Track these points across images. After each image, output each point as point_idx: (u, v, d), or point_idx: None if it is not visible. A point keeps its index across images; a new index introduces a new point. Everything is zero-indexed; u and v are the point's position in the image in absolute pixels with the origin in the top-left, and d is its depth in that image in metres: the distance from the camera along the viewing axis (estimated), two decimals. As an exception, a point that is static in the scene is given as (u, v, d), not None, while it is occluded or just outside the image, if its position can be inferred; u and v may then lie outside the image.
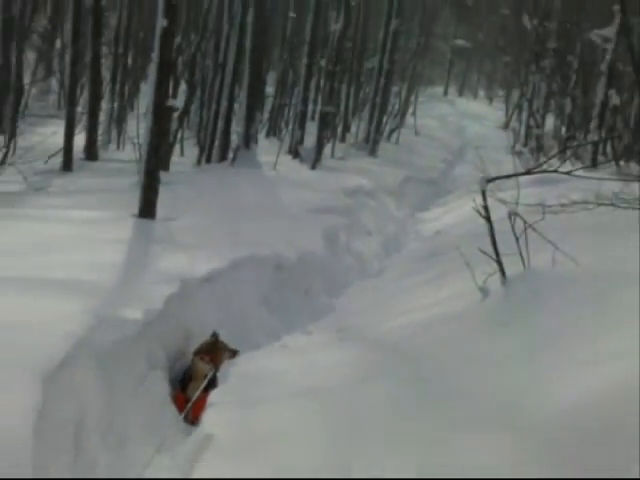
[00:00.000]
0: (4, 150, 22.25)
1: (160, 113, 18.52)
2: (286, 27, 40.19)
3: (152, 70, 18.79)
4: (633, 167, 18.27)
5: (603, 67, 30.37)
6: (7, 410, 7.43)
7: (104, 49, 29.37)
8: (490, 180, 12.29)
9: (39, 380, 8.12)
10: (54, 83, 39.86)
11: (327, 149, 36.09)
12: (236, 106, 30.72)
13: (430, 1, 58.30)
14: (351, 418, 8.85)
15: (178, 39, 22.63)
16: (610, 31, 28.24)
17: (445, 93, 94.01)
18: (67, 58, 29.02)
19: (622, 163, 20.50)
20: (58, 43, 41.25)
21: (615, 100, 28.94)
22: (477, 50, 77.56)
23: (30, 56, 34.95)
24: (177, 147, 26.89)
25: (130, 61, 35.71)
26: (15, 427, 7.30)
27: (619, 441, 6.05)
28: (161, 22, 17.98)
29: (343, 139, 42.20)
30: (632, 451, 5.73)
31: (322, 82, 38.41)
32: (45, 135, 26.36)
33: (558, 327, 8.66)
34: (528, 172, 14.15)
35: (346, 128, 43.95)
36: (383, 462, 7.61)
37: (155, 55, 18.27)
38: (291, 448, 8.38)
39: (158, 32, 18.05)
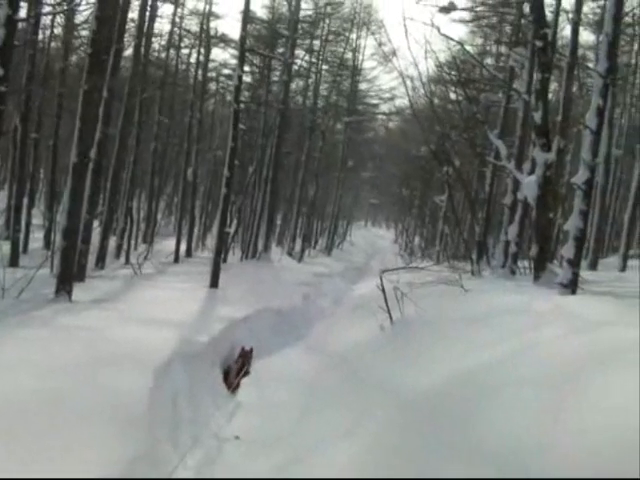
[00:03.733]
0: (146, 252, 22.21)
1: (222, 234, 18.50)
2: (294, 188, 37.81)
3: (218, 213, 18.82)
4: (456, 264, 18.33)
5: (441, 214, 30.72)
6: (134, 385, 7.48)
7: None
8: (385, 270, 12.43)
9: (151, 371, 8.15)
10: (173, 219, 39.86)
11: (306, 252, 36.03)
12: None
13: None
14: (310, 389, 9.00)
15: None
16: (443, 197, 28.54)
17: (365, 225, 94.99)
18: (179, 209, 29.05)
19: (451, 261, 20.59)
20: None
21: (446, 230, 29.21)
22: (381, 205, 78.77)
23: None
24: (230, 251, 26.75)
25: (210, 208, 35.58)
26: (137, 394, 7.30)
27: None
28: (223, 190, 18.04)
29: (315, 247, 42.06)
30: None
31: (302, 222, 38.63)
32: (167, 245, 26.91)
33: (416, 343, 8.77)
34: (405, 267, 14.21)
35: (316, 241, 43.83)
36: (328, 407, 7.77)
37: (220, 206, 18.29)
38: (280, 408, 8.58)
39: (222, 197, 18.07)
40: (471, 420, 5.42)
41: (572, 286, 10.84)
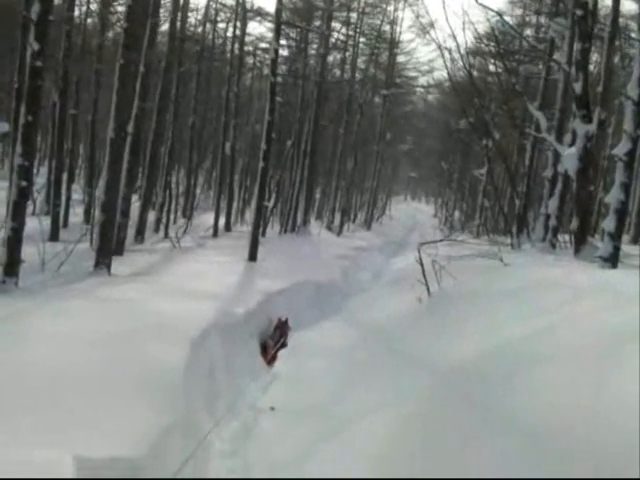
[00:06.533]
0: (185, 226, 22.36)
1: (260, 208, 18.65)
2: (333, 162, 37.96)
3: (257, 187, 18.94)
4: (496, 237, 18.23)
5: (480, 187, 30.56)
6: (171, 356, 7.55)
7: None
8: (423, 243, 12.37)
9: (189, 342, 8.22)
10: (212, 193, 39.95)
11: (345, 226, 36.00)
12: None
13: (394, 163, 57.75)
14: (347, 362, 9.03)
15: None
16: (483, 171, 28.34)
17: (405, 199, 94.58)
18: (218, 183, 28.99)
19: (491, 235, 20.47)
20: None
21: (486, 204, 29.01)
22: (421, 178, 78.12)
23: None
24: (269, 224, 26.79)
25: (249, 182, 35.44)
26: (173, 365, 7.37)
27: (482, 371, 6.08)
28: (261, 164, 18.12)
29: (354, 221, 42.03)
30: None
31: (341, 195, 38.56)
32: (205, 219, 26.98)
33: (453, 315, 8.77)
34: (442, 240, 14.10)
35: (355, 215, 43.77)
36: (364, 379, 7.77)
37: (258, 179, 18.33)
38: (316, 380, 8.60)
39: (260, 171, 18.13)
40: (507, 391, 5.36)
41: (613, 260, 10.68)
